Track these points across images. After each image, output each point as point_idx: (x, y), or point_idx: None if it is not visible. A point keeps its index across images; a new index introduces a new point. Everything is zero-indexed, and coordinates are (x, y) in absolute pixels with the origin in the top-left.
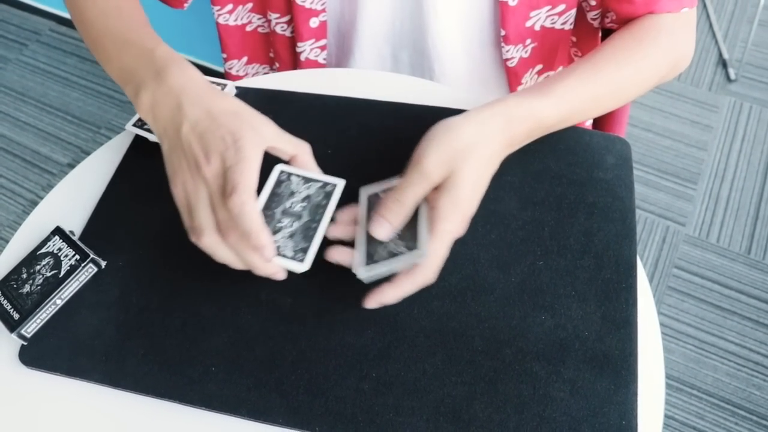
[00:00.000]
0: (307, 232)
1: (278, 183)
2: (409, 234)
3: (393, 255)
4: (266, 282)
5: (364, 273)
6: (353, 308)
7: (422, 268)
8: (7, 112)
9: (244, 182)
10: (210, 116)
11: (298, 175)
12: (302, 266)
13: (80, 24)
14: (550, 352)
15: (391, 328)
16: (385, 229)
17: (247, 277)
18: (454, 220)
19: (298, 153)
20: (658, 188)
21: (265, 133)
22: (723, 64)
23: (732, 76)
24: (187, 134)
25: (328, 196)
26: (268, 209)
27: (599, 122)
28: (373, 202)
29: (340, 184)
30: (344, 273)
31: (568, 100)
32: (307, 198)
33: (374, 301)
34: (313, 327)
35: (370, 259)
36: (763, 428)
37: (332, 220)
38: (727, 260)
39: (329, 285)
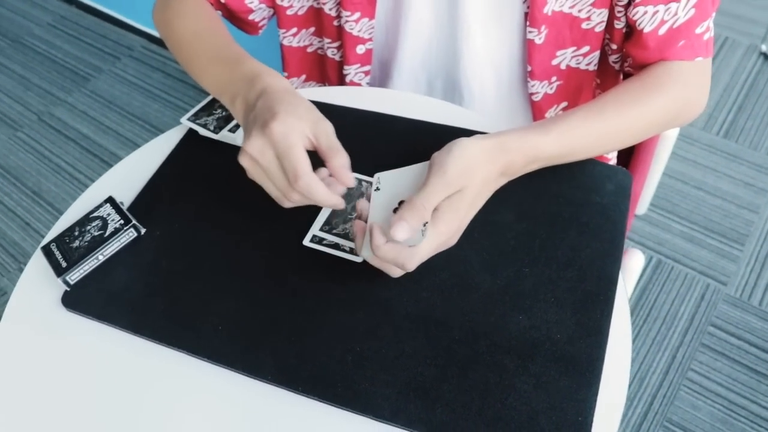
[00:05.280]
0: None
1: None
2: None
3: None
4: (275, 260)
5: (366, 253)
6: (349, 291)
7: (410, 252)
8: (94, 116)
9: (300, 167)
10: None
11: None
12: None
13: (173, 43)
14: (522, 349)
15: (380, 311)
16: (405, 231)
17: (261, 254)
18: (450, 225)
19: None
20: (702, 245)
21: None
22: None
23: None
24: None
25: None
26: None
27: (623, 161)
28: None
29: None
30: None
31: (569, 137)
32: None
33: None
34: (312, 303)
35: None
36: None
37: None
38: None
39: (331, 267)
